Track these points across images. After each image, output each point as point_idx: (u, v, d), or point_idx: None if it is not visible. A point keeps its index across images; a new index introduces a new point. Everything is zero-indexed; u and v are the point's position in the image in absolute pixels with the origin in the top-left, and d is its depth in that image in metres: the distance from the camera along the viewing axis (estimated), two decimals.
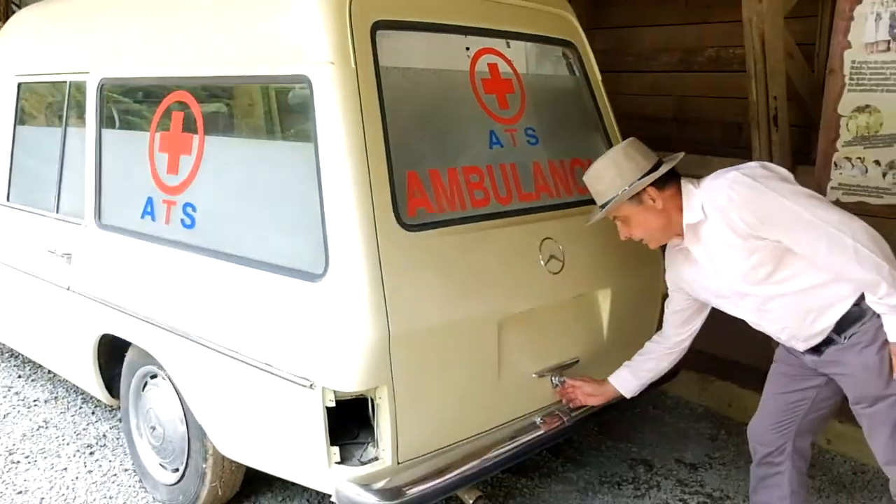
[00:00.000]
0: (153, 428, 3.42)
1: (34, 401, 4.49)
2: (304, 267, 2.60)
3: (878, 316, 2.37)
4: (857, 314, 2.43)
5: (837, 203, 3.84)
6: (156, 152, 3.23)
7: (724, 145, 4.88)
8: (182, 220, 3.09)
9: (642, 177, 2.52)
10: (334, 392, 2.51)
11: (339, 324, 2.50)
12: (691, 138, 5.08)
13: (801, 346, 2.57)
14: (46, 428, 4.15)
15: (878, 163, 3.69)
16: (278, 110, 2.81)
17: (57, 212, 3.76)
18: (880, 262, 2.25)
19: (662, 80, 5.23)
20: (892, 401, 2.46)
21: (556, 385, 3.06)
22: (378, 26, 2.65)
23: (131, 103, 3.51)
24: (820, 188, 3.88)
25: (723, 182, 2.39)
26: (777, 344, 2.73)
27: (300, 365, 2.57)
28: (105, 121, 3.51)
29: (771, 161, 4.03)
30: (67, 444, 3.98)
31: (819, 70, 4.24)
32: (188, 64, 3.09)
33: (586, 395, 3.04)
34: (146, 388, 3.45)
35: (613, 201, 2.56)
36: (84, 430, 4.14)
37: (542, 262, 2.99)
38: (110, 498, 3.51)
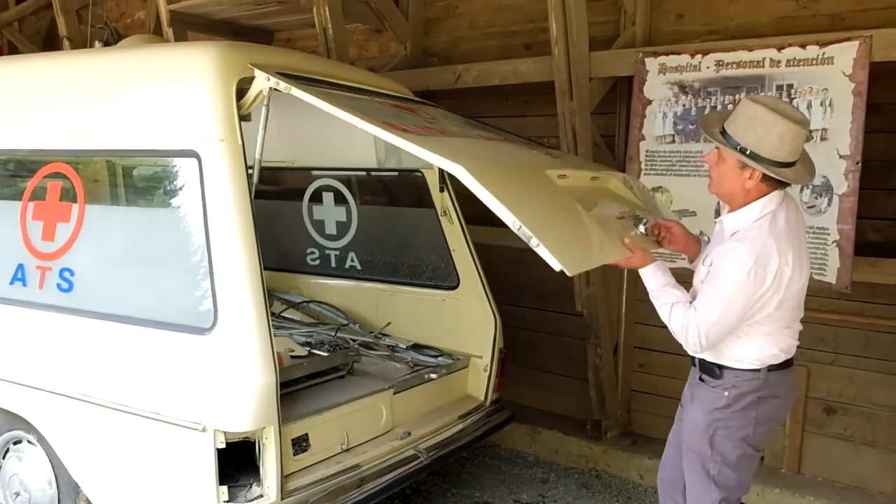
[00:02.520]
0: (17, 494, 3.43)
1: None
2: (194, 322, 2.86)
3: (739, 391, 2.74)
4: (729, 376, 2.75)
5: None
6: (29, 221, 3.36)
7: None
8: (59, 285, 3.23)
9: (766, 161, 2.60)
10: (225, 434, 2.75)
11: (229, 372, 2.78)
12: None
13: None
14: None
15: None
16: (164, 180, 3.07)
17: None
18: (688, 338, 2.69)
19: None
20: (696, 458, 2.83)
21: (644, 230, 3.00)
22: None
23: (4, 175, 3.62)
24: None
25: (753, 244, 2.61)
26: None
27: (191, 411, 2.80)
28: None
29: None
30: None
31: (619, 157, 4.98)
32: (68, 137, 3.29)
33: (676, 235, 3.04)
34: (7, 456, 3.47)
35: (730, 146, 2.63)
36: None
37: None
38: None
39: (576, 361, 5.22)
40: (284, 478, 2.91)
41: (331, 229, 4.69)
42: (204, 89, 2.94)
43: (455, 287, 4.24)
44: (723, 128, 2.70)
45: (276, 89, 2.97)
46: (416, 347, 4.22)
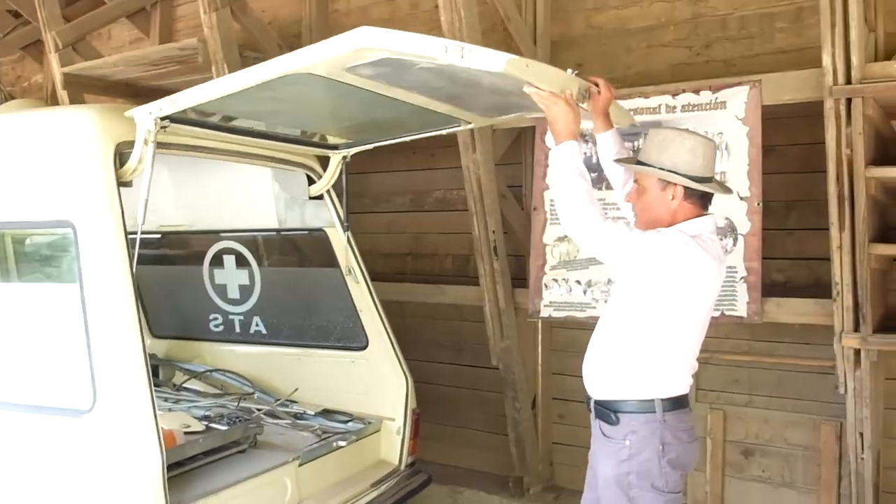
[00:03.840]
0: None
1: None
2: (71, 404, 2.66)
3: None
4: (637, 408, 2.67)
5: (549, 318, 4.50)
6: None
7: (455, 275, 5.45)
8: None
9: (686, 175, 2.65)
10: None
11: (109, 456, 2.57)
12: (426, 270, 5.62)
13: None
14: None
15: (578, 282, 4.39)
16: (40, 253, 2.88)
17: None
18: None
19: (398, 220, 5.78)
20: None
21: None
22: None
23: None
24: (534, 307, 4.50)
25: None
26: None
27: (72, 497, 2.57)
28: None
29: (494, 287, 4.64)
30: None
31: (527, 207, 4.96)
32: None
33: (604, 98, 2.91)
34: None
35: (646, 169, 2.70)
36: None
37: None
38: None
39: (495, 416, 5.10)
40: None
41: (233, 293, 4.50)
42: (78, 155, 2.77)
43: (364, 348, 4.10)
44: (637, 161, 2.77)
45: (160, 146, 2.82)
46: (326, 413, 4.04)
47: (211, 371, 4.41)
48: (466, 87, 2.73)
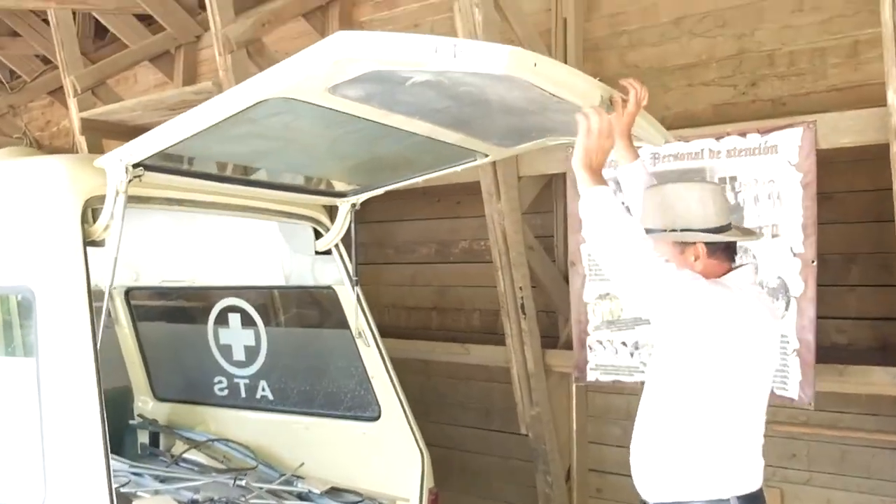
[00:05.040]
0: None
1: None
2: (21, 499, 2.31)
3: None
4: None
5: (596, 382, 4.08)
6: None
7: (483, 331, 5.08)
8: None
9: (707, 232, 2.32)
10: None
11: None
12: (452, 326, 5.25)
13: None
14: None
15: (624, 344, 3.97)
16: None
17: None
18: None
19: (422, 271, 5.44)
20: None
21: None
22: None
23: None
24: (580, 369, 4.09)
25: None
26: None
27: None
28: None
29: (522, 348, 4.25)
30: None
31: (559, 260, 4.59)
32: None
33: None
34: None
35: (655, 235, 2.33)
36: None
37: None
38: None
39: (526, 488, 4.68)
40: None
41: (239, 355, 4.16)
42: (41, 211, 2.47)
43: (376, 418, 3.71)
44: (645, 229, 2.37)
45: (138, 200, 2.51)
46: (333, 492, 3.64)
47: (213, 440, 4.06)
48: (473, 107, 2.34)
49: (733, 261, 2.41)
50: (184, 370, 4.43)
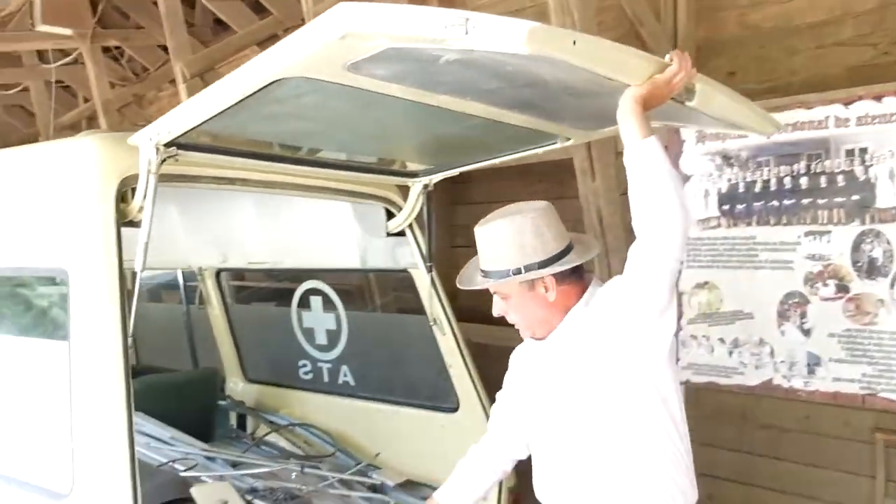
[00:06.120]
0: None
1: None
2: (51, 485, 2.26)
3: None
4: None
5: (687, 383, 3.69)
6: None
7: None
8: None
9: (545, 262, 2.16)
10: None
11: None
12: None
13: None
14: None
15: (722, 341, 3.55)
16: (33, 307, 2.53)
17: None
18: None
19: None
20: None
21: None
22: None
23: None
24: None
25: None
26: None
27: None
28: None
29: None
30: None
31: None
32: None
33: None
34: None
35: (500, 280, 2.17)
36: None
37: None
38: None
39: None
40: None
41: (321, 339, 4.05)
42: (75, 192, 2.38)
43: (455, 410, 3.49)
44: (482, 271, 2.23)
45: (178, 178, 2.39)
46: (408, 485, 3.46)
47: (294, 425, 3.97)
48: (532, 88, 2.02)
49: (583, 277, 2.25)
50: (271, 353, 4.39)
